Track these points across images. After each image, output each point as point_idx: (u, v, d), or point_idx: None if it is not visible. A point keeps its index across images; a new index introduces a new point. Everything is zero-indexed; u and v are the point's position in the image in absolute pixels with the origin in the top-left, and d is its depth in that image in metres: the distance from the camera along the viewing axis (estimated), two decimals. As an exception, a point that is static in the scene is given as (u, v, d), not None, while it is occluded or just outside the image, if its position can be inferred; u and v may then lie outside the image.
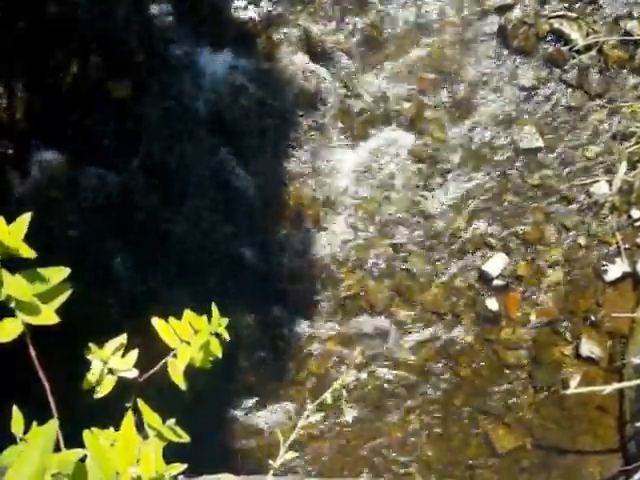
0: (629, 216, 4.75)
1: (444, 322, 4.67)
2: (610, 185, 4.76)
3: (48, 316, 1.17)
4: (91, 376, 1.34)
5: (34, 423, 1.17)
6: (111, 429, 1.27)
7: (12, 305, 1.15)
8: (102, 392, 1.35)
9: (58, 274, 1.19)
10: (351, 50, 4.86)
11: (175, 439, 1.40)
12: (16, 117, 4.71)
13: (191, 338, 1.40)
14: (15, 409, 1.23)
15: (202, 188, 4.74)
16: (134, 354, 1.39)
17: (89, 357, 1.35)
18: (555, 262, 4.72)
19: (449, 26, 4.89)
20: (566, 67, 4.86)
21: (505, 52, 4.88)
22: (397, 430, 4.57)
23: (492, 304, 4.67)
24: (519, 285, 4.70)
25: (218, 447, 4.39)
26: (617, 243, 4.70)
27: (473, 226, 4.75)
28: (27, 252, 1.13)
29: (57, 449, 1.16)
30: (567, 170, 4.80)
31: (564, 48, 4.87)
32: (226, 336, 1.42)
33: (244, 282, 4.68)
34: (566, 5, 4.91)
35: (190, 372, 1.42)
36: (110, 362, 1.36)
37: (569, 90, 4.86)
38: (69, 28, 4.81)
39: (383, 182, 4.77)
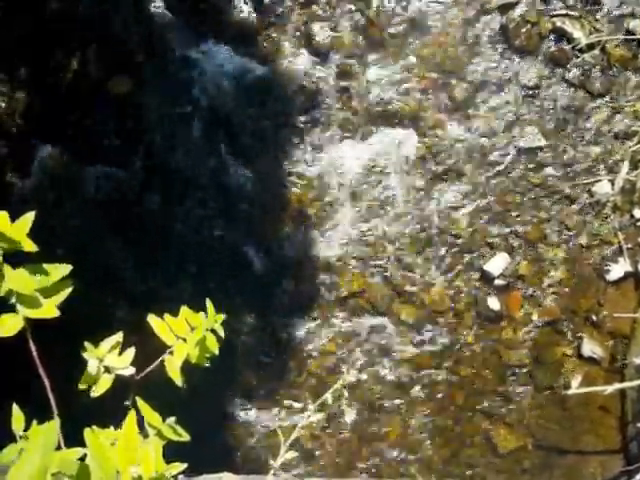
0: (631, 216, 4.74)
1: (445, 322, 4.66)
2: (612, 185, 4.75)
3: (49, 310, 1.17)
4: (87, 375, 1.34)
5: (34, 422, 1.16)
6: (111, 428, 1.26)
7: (13, 300, 1.15)
8: (99, 391, 1.35)
9: (60, 270, 1.19)
10: (352, 49, 4.85)
11: (175, 438, 1.39)
12: (17, 116, 4.70)
13: (187, 335, 1.40)
14: (15, 407, 1.22)
15: (202, 187, 4.74)
16: (131, 352, 1.38)
17: (85, 356, 1.35)
18: (557, 262, 4.72)
19: (451, 25, 4.88)
20: (569, 66, 4.85)
21: (507, 51, 4.87)
22: (398, 430, 4.57)
23: (494, 304, 4.66)
24: (521, 285, 4.69)
25: (218, 446, 4.39)
26: (619, 243, 4.69)
27: (475, 225, 4.74)
28: (29, 246, 1.13)
29: (57, 447, 1.15)
30: (569, 169, 4.80)
31: (567, 47, 4.86)
32: (221, 332, 1.42)
33: (244, 281, 4.67)
34: (569, 4, 4.90)
35: (190, 371, 1.41)
36: (106, 360, 1.36)
37: (571, 89, 4.85)
38: (69, 27, 4.81)
39: (384, 181, 4.76)
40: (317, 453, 4.50)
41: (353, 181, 4.76)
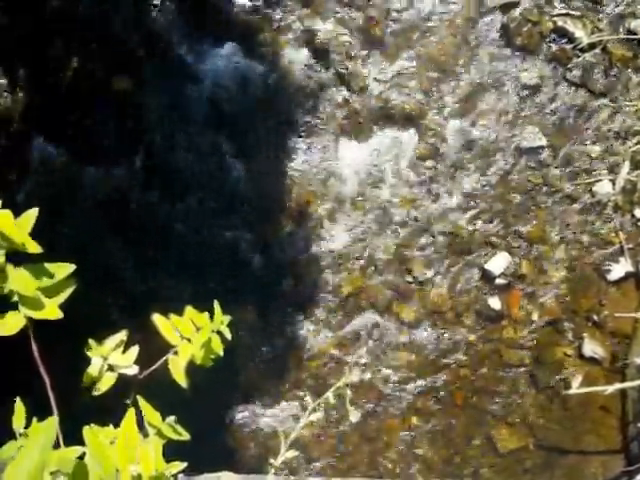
0: (632, 215, 4.74)
1: (446, 321, 4.65)
2: (613, 184, 4.74)
3: (52, 311, 1.16)
4: (91, 373, 1.33)
5: (34, 419, 1.16)
6: (111, 426, 1.25)
7: (15, 299, 1.14)
8: (102, 389, 1.34)
9: (63, 269, 1.18)
10: (353, 48, 4.85)
11: (175, 437, 1.38)
12: (17, 116, 4.70)
13: (192, 335, 1.39)
14: (18, 402, 1.22)
15: (202, 187, 4.74)
16: (135, 350, 1.38)
17: (89, 353, 1.34)
18: (558, 261, 4.71)
19: (452, 24, 4.88)
20: (570, 66, 4.84)
21: (509, 50, 4.87)
22: (398, 430, 4.56)
23: (494, 303, 4.66)
24: (522, 284, 4.69)
25: (219, 445, 4.38)
26: (620, 242, 4.69)
27: (475, 225, 4.74)
28: (33, 247, 1.13)
29: (56, 446, 1.15)
30: (570, 169, 4.79)
31: (568, 46, 4.85)
32: (228, 335, 1.40)
33: (244, 281, 4.67)
34: (570, 3, 4.90)
35: (191, 370, 1.40)
36: (110, 358, 1.35)
37: (573, 89, 4.85)
38: (69, 27, 4.80)
39: (385, 181, 4.76)
40: (317, 453, 4.50)
41: (353, 181, 4.76)
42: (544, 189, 4.78)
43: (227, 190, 4.74)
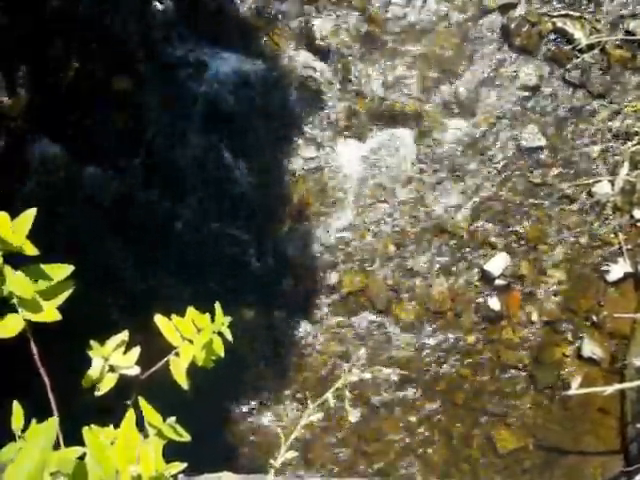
0: (631, 216, 4.74)
1: (445, 321, 4.65)
2: (612, 185, 4.74)
3: (50, 314, 1.16)
4: (92, 373, 1.33)
5: (33, 421, 1.16)
6: (111, 427, 1.25)
7: (14, 301, 1.15)
8: (103, 389, 1.34)
9: (61, 271, 1.18)
10: (354, 48, 4.85)
11: (176, 437, 1.38)
12: (17, 116, 4.70)
13: (194, 336, 1.39)
14: (16, 404, 1.22)
15: (202, 186, 4.73)
16: (136, 351, 1.38)
17: (90, 354, 1.34)
18: (557, 262, 4.71)
19: (452, 24, 4.88)
20: (569, 66, 4.84)
21: (508, 51, 4.87)
22: (398, 430, 4.56)
23: (494, 304, 4.66)
24: (521, 285, 4.69)
25: (219, 446, 4.38)
26: (619, 243, 4.69)
27: (475, 225, 4.74)
28: (31, 250, 1.12)
29: (57, 446, 1.15)
30: (569, 170, 4.79)
31: (567, 47, 4.86)
32: (229, 337, 1.40)
33: (244, 280, 4.66)
34: (569, 4, 4.90)
35: (191, 370, 1.40)
36: (111, 359, 1.35)
37: (571, 89, 4.85)
38: (69, 27, 4.80)
39: (385, 181, 4.76)
40: (317, 453, 4.50)
41: (353, 180, 4.76)
42: (543, 189, 4.78)
43: (227, 190, 4.74)
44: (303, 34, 4.86)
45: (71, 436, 1.22)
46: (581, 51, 4.82)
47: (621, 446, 4.46)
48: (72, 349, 1.53)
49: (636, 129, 4.79)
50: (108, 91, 4.76)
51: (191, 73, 4.81)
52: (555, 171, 4.80)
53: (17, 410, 1.20)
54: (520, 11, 4.90)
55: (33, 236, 1.16)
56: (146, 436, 1.34)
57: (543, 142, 4.79)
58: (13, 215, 1.16)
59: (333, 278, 4.68)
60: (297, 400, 4.53)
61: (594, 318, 4.63)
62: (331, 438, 4.52)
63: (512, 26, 4.88)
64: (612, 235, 4.72)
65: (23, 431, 1.21)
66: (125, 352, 1.36)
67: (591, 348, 4.59)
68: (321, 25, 4.86)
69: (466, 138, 4.80)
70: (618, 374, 4.55)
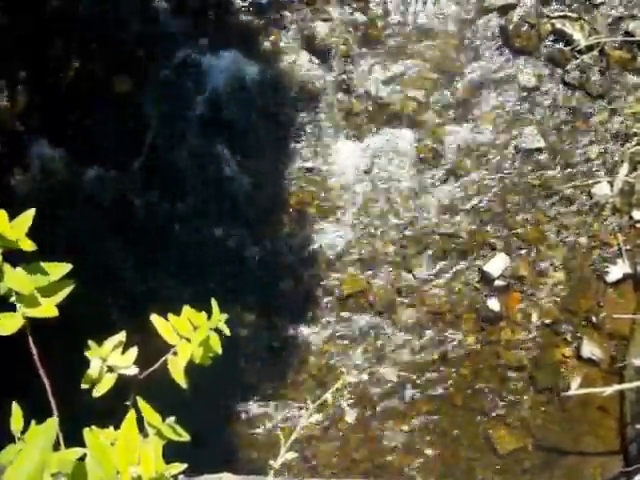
0: (630, 217, 4.74)
1: (445, 322, 4.66)
2: (611, 186, 4.75)
3: (48, 309, 1.17)
4: (90, 374, 1.33)
5: (33, 422, 1.16)
6: (111, 427, 1.26)
7: (13, 299, 1.15)
8: (101, 390, 1.34)
9: (59, 269, 1.19)
10: (353, 49, 4.85)
11: (175, 438, 1.38)
12: (17, 116, 4.70)
13: (191, 334, 1.39)
14: (15, 405, 1.22)
15: (202, 187, 4.74)
16: (134, 351, 1.38)
17: (88, 355, 1.34)
18: (556, 263, 4.72)
19: (451, 25, 4.89)
20: (568, 67, 4.85)
21: (507, 52, 4.87)
22: (397, 430, 4.56)
23: (493, 304, 4.66)
24: (520, 285, 4.69)
25: (219, 446, 4.38)
26: (618, 244, 4.69)
27: (474, 226, 4.74)
28: (27, 245, 1.13)
29: (57, 447, 1.15)
30: (568, 171, 4.80)
31: (566, 48, 4.86)
32: (226, 331, 1.41)
33: (244, 281, 4.67)
34: (568, 5, 4.91)
35: (190, 371, 1.41)
36: (109, 359, 1.35)
37: (570, 90, 4.85)
38: (69, 27, 4.80)
39: (384, 181, 4.76)
40: (317, 453, 4.50)
41: (353, 181, 4.76)
42: (542, 190, 4.78)
43: (227, 190, 4.74)
44: (303, 35, 4.86)
45: (71, 437, 1.22)
46: (580, 52, 4.83)
47: (620, 446, 4.46)
48: (72, 349, 1.53)
49: (635, 130, 4.79)
50: (108, 91, 4.76)
51: (191, 73, 4.81)
52: (554, 172, 4.80)
53: (16, 411, 1.21)
54: (519, 12, 4.90)
55: (32, 236, 1.16)
56: (146, 436, 1.34)
57: (542, 143, 4.79)
58: (12, 216, 1.17)
59: (333, 279, 4.68)
60: (297, 400, 4.53)
61: (593, 319, 4.64)
62: (330, 438, 4.52)
63: (511, 27, 4.88)
64: (611, 236, 4.72)
65: (23, 433, 1.21)
66: (123, 352, 1.37)
67: (590, 349, 4.59)
68: (321, 26, 4.86)
69: (465, 139, 4.80)
70: (617, 375, 4.55)
